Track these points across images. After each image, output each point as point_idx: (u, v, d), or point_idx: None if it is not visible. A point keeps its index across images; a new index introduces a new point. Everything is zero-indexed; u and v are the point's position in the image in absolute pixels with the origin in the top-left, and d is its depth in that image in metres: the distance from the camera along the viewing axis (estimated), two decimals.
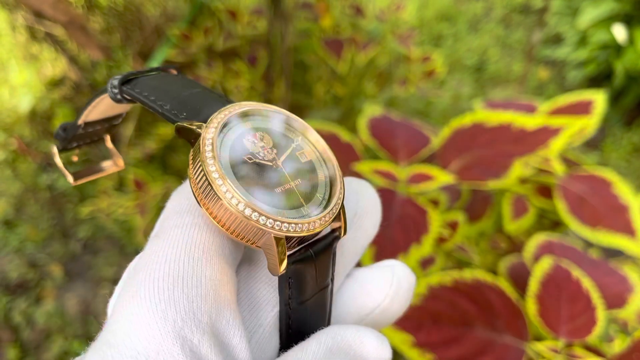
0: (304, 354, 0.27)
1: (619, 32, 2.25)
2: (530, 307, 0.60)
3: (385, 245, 0.61)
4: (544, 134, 0.68)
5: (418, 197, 0.65)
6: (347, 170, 0.69)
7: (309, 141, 0.33)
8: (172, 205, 0.31)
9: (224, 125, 0.30)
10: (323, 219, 0.29)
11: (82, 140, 0.41)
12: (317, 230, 0.29)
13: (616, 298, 0.69)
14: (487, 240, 0.99)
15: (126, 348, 0.24)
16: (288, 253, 0.29)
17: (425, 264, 0.75)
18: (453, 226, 0.76)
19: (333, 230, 0.31)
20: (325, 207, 0.30)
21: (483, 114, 0.71)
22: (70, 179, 0.41)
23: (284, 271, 0.28)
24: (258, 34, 1.83)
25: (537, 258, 0.70)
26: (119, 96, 0.34)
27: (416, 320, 0.58)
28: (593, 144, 2.20)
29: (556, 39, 2.62)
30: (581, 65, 2.45)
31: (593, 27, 2.37)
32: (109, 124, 0.41)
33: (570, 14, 2.54)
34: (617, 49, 2.30)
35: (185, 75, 0.35)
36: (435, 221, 0.63)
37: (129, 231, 1.92)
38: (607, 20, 2.32)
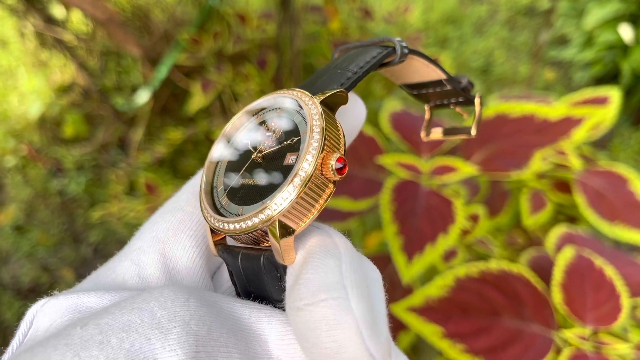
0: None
1: (626, 32, 2.26)
2: (556, 296, 0.61)
3: (413, 236, 0.62)
4: (567, 125, 0.68)
5: (442, 189, 0.66)
6: (370, 163, 0.70)
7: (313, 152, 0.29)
8: None
9: (261, 108, 0.32)
10: (232, 224, 0.27)
11: (434, 99, 0.39)
12: (225, 231, 0.27)
13: (638, 287, 0.69)
14: (503, 235, 0.99)
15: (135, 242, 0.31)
16: (216, 240, 0.29)
17: (448, 256, 0.75)
18: (474, 219, 0.76)
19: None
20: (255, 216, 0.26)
21: (507, 105, 0.72)
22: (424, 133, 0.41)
23: (217, 255, 0.29)
24: (267, 38, 1.84)
25: (559, 249, 0.71)
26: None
27: (445, 312, 0.59)
28: (601, 144, 2.20)
29: (562, 40, 2.63)
30: (588, 66, 2.46)
31: (599, 28, 2.37)
32: (432, 89, 0.38)
33: (575, 15, 2.55)
34: (623, 49, 2.31)
35: (385, 49, 0.33)
36: (461, 211, 0.63)
37: None
38: (613, 21, 2.33)
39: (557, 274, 0.62)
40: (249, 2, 2.29)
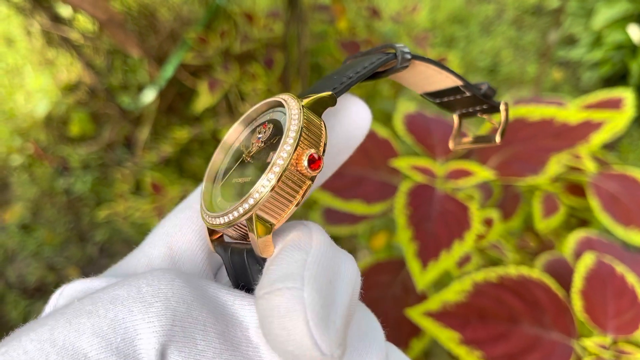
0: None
1: (634, 33, 2.24)
2: (576, 303, 0.60)
3: (428, 242, 0.61)
4: (586, 129, 0.67)
5: (457, 193, 0.65)
6: (383, 165, 0.69)
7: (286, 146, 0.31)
8: None
9: (260, 112, 0.34)
10: (218, 219, 0.29)
11: (459, 107, 0.39)
12: (214, 226, 0.29)
13: None
14: (515, 238, 0.98)
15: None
16: (214, 238, 0.32)
17: (461, 262, 0.74)
18: (488, 223, 0.75)
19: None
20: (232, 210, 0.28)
21: (525, 109, 0.71)
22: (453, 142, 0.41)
23: (213, 251, 0.32)
24: (274, 37, 1.83)
25: (577, 254, 0.70)
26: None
27: (462, 317, 0.58)
28: (610, 145, 2.19)
29: (570, 40, 2.61)
30: (596, 66, 2.44)
31: (608, 28, 2.36)
32: (453, 97, 0.38)
33: (584, 15, 2.53)
34: (632, 49, 2.29)
35: (385, 55, 0.34)
36: (477, 217, 0.62)
37: (146, 234, 1.92)
38: (622, 21, 2.31)
39: (577, 281, 0.61)
40: (256, 1, 2.28)
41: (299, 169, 0.27)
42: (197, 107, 1.70)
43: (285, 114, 0.30)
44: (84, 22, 2.07)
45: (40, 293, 1.78)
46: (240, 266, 0.29)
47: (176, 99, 2.11)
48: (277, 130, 0.30)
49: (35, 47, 2.28)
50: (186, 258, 0.31)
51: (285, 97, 0.31)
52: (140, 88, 2.15)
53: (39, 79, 2.34)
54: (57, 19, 1.89)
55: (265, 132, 0.31)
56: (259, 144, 0.31)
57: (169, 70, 1.89)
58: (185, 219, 0.32)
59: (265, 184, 0.26)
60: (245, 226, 0.28)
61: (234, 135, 0.34)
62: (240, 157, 0.32)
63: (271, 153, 0.29)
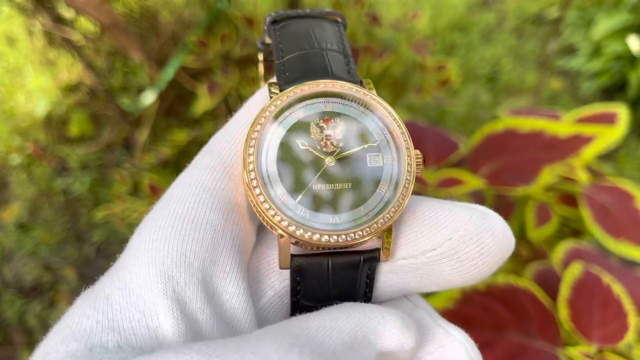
0: (334, 321, 0.25)
1: (634, 43, 2.25)
2: (562, 313, 0.60)
3: None
4: (576, 142, 0.68)
5: None
6: None
7: (402, 150, 0.30)
8: (210, 141, 0.33)
9: (306, 98, 0.30)
10: (340, 236, 0.27)
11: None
12: (322, 244, 0.27)
13: None
14: None
15: (117, 278, 0.25)
16: (295, 252, 0.28)
17: None
18: None
19: (373, 250, 0.29)
20: (358, 225, 0.28)
21: (516, 120, 0.72)
22: None
23: (286, 267, 0.28)
24: None
25: (565, 264, 0.70)
26: (267, 34, 0.35)
27: None
28: (607, 155, 2.19)
29: (570, 50, 2.62)
30: (595, 76, 2.45)
31: (607, 38, 2.37)
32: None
33: (584, 25, 2.55)
34: (631, 60, 2.30)
35: (339, 25, 0.34)
36: None
37: None
38: (621, 31, 2.32)
39: (564, 290, 0.61)
40: (257, 5, 2.29)
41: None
42: (197, 110, 1.70)
43: (349, 106, 0.30)
44: (86, 23, 2.08)
45: (35, 292, 1.78)
46: (347, 275, 0.28)
47: (176, 102, 2.11)
48: (352, 126, 0.29)
49: (37, 47, 2.29)
50: (225, 300, 0.27)
51: (348, 91, 0.30)
52: (140, 90, 2.16)
53: (39, 79, 2.35)
54: (59, 19, 1.90)
55: (335, 129, 0.29)
56: (334, 142, 0.29)
57: (169, 73, 1.90)
58: (210, 243, 0.27)
59: (400, 201, 0.28)
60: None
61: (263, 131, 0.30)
62: (314, 161, 0.29)
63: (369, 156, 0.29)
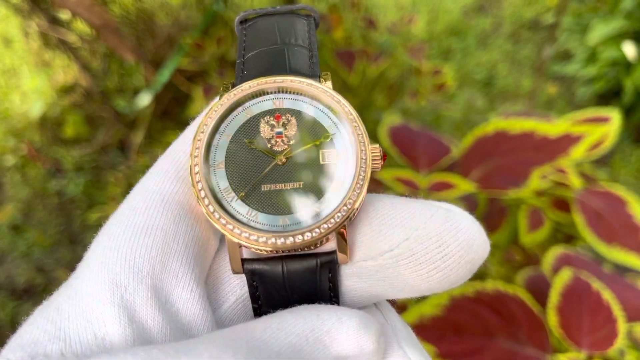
0: (281, 323, 0.25)
1: (629, 50, 2.26)
2: (552, 319, 0.60)
3: None
4: (566, 142, 0.68)
5: None
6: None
7: (356, 146, 0.28)
8: (170, 146, 0.32)
9: (254, 96, 0.30)
10: (288, 238, 0.26)
11: None
12: (268, 247, 0.26)
13: (636, 312, 0.69)
14: (501, 252, 0.98)
15: (70, 287, 0.25)
16: (249, 256, 0.27)
17: None
18: None
19: (331, 252, 0.27)
20: (309, 226, 0.27)
21: (506, 122, 0.71)
22: None
23: (239, 272, 0.27)
24: None
25: (555, 270, 0.70)
26: (237, 31, 0.34)
27: (438, 331, 0.58)
28: (602, 161, 2.20)
29: (565, 55, 2.62)
30: (590, 82, 2.45)
31: (603, 44, 2.38)
32: None
33: (579, 31, 2.55)
34: (626, 66, 2.30)
35: (310, 19, 0.33)
36: None
37: None
38: (617, 37, 2.33)
39: (554, 297, 0.61)
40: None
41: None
42: (192, 112, 1.70)
43: (301, 102, 0.29)
44: (82, 25, 2.08)
45: (28, 295, 1.77)
46: (304, 279, 0.27)
47: (171, 104, 2.11)
48: (303, 122, 0.28)
49: (33, 48, 2.29)
50: (180, 306, 0.27)
51: (303, 86, 0.29)
52: (135, 92, 2.16)
53: (35, 80, 2.35)
54: (55, 21, 1.90)
55: (285, 126, 0.29)
56: (285, 140, 0.28)
57: (165, 75, 1.90)
58: (159, 248, 0.27)
59: (353, 197, 0.27)
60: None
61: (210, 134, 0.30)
62: (264, 160, 0.28)
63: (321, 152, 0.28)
